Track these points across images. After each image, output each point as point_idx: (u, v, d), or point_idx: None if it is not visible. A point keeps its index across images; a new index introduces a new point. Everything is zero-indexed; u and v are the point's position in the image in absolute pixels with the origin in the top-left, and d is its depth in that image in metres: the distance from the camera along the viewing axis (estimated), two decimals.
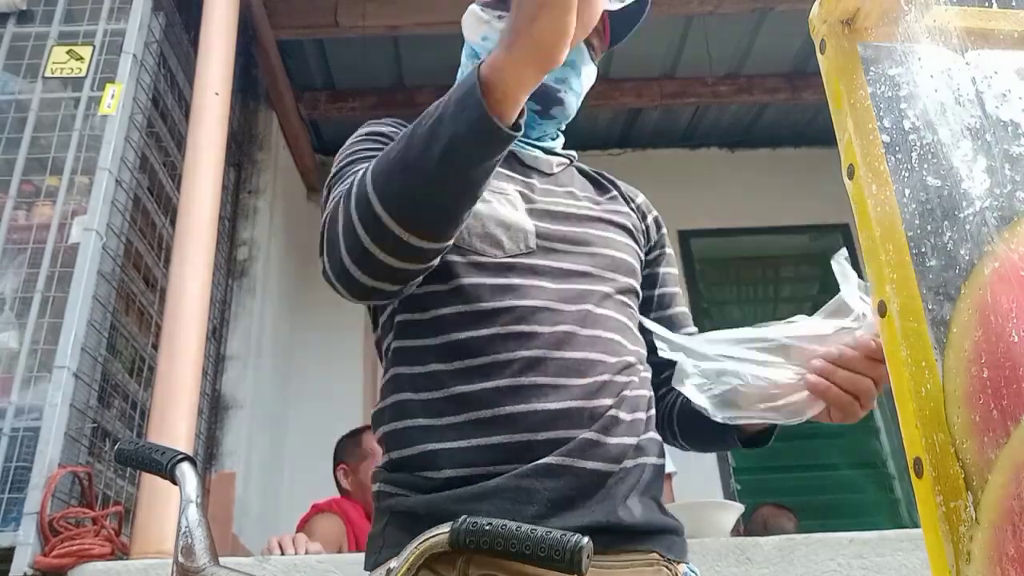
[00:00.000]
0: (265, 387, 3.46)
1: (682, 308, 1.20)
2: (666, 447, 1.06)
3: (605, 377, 0.93)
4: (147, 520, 1.94)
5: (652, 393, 1.02)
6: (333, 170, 1.00)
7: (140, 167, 2.53)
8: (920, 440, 0.46)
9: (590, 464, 0.88)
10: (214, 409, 3.17)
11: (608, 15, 1.11)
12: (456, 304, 0.94)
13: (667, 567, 0.92)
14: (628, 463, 0.91)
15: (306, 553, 1.92)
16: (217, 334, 3.23)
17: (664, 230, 1.21)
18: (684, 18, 3.75)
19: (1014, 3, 0.53)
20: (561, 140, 1.18)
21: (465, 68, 1.15)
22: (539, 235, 1.00)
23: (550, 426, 0.88)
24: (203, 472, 3.01)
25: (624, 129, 4.49)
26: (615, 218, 1.10)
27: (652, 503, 0.95)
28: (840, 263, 0.91)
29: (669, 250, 1.21)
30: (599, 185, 1.17)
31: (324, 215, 0.90)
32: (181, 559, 0.85)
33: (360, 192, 0.83)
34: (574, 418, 0.89)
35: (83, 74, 2.44)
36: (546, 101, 1.09)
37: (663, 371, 1.04)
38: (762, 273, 4.65)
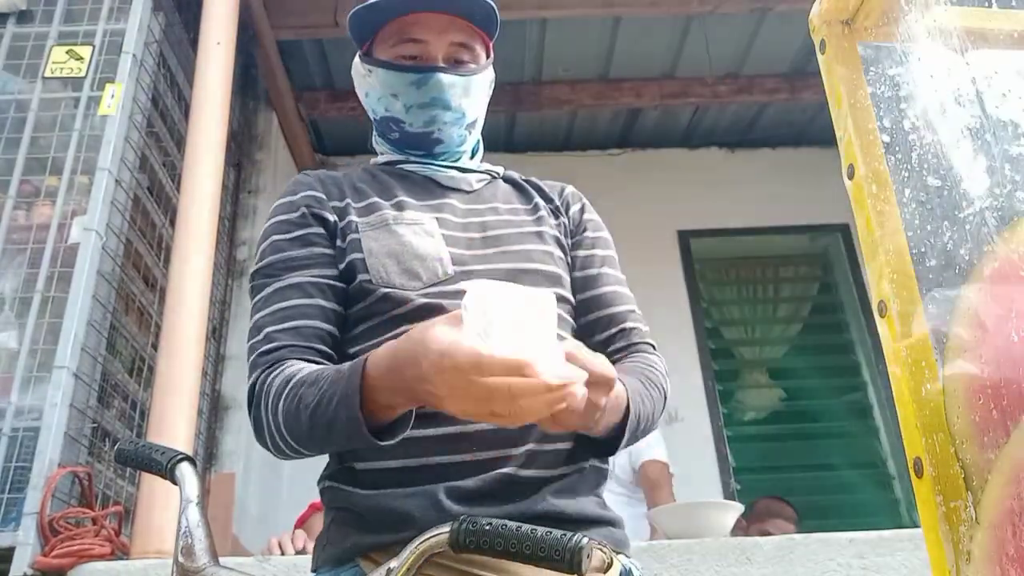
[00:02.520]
0: None
1: (610, 288, 1.14)
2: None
3: None
4: (147, 520, 1.94)
5: None
6: (257, 261, 1.07)
7: (140, 167, 2.53)
8: (920, 440, 0.46)
9: (527, 472, 0.94)
10: (214, 409, 3.17)
11: (472, 11, 1.11)
12: (382, 336, 0.98)
13: (602, 551, 0.95)
14: (565, 469, 0.97)
15: (305, 551, 1.92)
16: (217, 334, 3.23)
17: (588, 214, 1.19)
18: (684, 18, 3.75)
19: (1014, 3, 0.53)
20: (479, 153, 1.20)
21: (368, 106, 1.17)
22: (455, 261, 1.03)
23: (483, 446, 0.93)
24: (203, 472, 3.01)
25: (624, 129, 4.48)
26: (536, 228, 1.11)
27: (592, 499, 1.00)
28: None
29: (594, 233, 1.18)
30: (524, 194, 1.19)
31: (251, 382, 0.98)
32: (181, 559, 0.85)
33: (276, 428, 0.94)
34: (497, 441, 0.93)
35: (83, 74, 2.44)
36: (425, 145, 1.13)
37: (609, 344, 1.08)
38: (762, 273, 4.65)
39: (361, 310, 1.02)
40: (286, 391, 0.92)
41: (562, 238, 1.14)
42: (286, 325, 0.99)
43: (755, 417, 4.33)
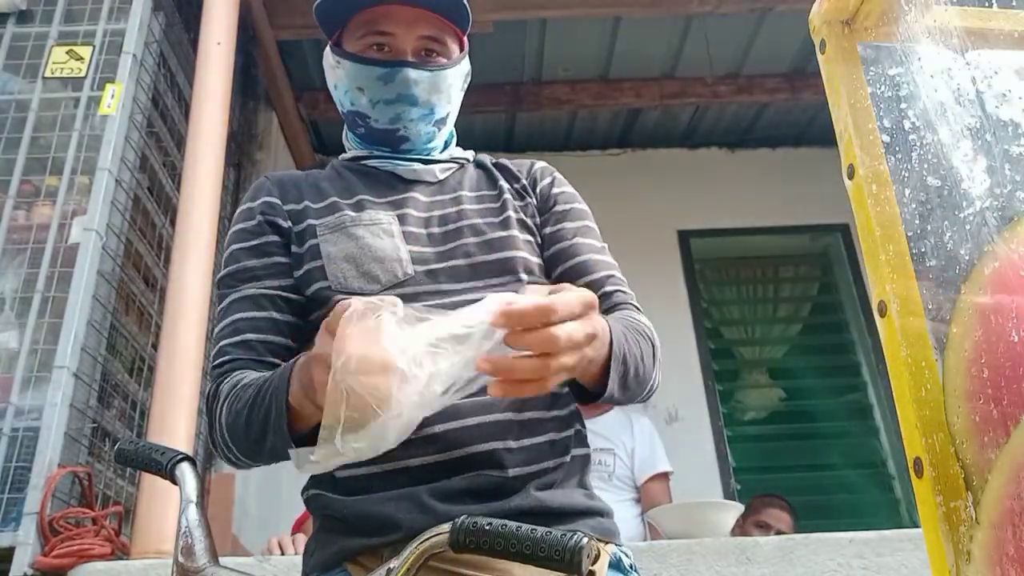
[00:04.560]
0: None
1: (584, 257, 1.08)
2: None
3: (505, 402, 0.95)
4: (147, 520, 1.94)
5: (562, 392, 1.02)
6: (223, 267, 1.07)
7: (140, 167, 2.53)
8: (920, 440, 0.46)
9: (510, 471, 0.93)
10: None
11: (442, 4, 1.08)
12: None
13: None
14: (548, 463, 0.96)
15: None
16: None
17: (557, 187, 1.14)
18: (684, 18, 3.75)
19: (1014, 3, 0.53)
20: (451, 146, 1.17)
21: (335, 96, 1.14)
22: (416, 260, 1.01)
23: (464, 444, 0.92)
24: (203, 472, 3.01)
25: (624, 129, 4.48)
26: (501, 215, 1.08)
27: (578, 490, 0.98)
28: None
29: (565, 206, 1.13)
30: (490, 178, 1.15)
31: (206, 393, 1.01)
32: (181, 559, 0.85)
33: (220, 432, 0.96)
34: (477, 438, 0.92)
35: (83, 74, 2.44)
36: (391, 142, 1.11)
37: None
38: (762, 273, 4.65)
39: (320, 316, 0.97)
40: (230, 394, 0.94)
41: (529, 220, 1.10)
42: (238, 339, 1.00)
43: (755, 417, 4.33)
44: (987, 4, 0.52)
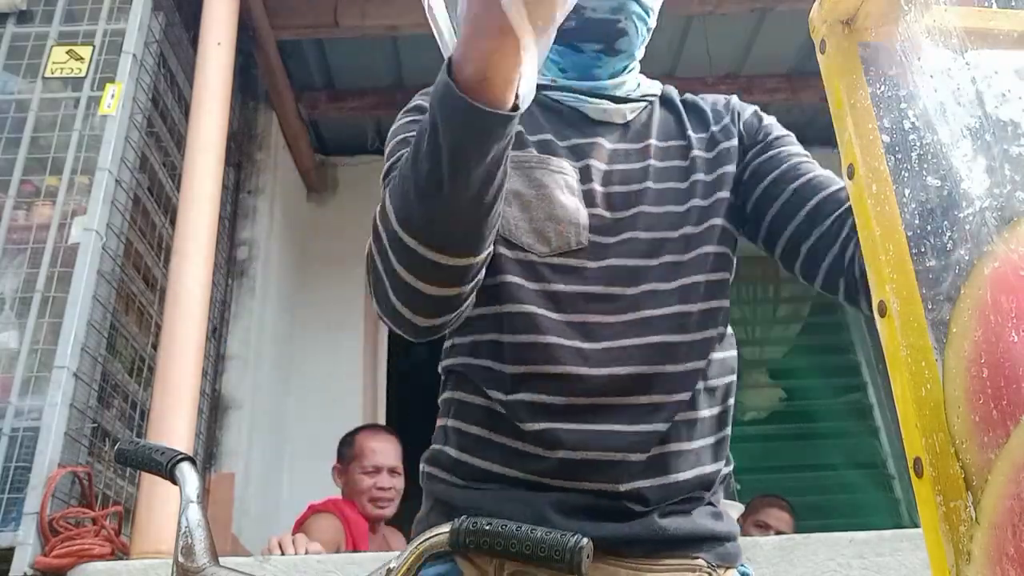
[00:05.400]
0: (265, 387, 3.46)
1: (816, 174, 0.94)
2: None
3: (658, 399, 0.85)
4: (147, 520, 1.94)
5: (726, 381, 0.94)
6: (385, 161, 0.90)
7: (140, 167, 2.53)
8: (920, 440, 0.46)
9: (642, 497, 0.84)
10: (214, 409, 3.17)
11: None
12: (497, 304, 0.87)
13: (710, 573, 0.87)
14: (680, 498, 0.86)
15: (306, 553, 1.92)
16: (217, 334, 3.23)
17: (765, 120, 1.02)
18: (684, 18, 3.74)
19: (1014, 3, 0.53)
20: (634, 77, 1.02)
21: None
22: (593, 228, 0.88)
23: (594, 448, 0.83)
24: (203, 472, 3.01)
25: None
26: (691, 177, 0.94)
27: (706, 508, 0.89)
28: None
29: (778, 133, 1.00)
30: (680, 124, 1.00)
31: (368, 244, 0.80)
32: (181, 559, 0.85)
33: (386, 227, 0.75)
34: (620, 444, 0.83)
35: (83, 74, 2.44)
36: (607, 37, 0.95)
37: (834, 228, 0.88)
38: (762, 273, 4.65)
39: None
40: (388, 196, 0.75)
41: (728, 167, 0.95)
42: None
43: (755, 417, 4.33)
44: (987, 4, 0.52)
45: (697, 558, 0.86)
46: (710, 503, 0.90)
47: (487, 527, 0.67)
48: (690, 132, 0.99)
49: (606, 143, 0.95)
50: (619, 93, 0.99)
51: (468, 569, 0.82)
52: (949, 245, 0.48)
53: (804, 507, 3.14)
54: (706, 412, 0.89)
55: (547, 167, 0.90)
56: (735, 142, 0.98)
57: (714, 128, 0.99)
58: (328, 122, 4.27)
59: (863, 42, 0.57)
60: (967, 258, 0.47)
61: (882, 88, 0.54)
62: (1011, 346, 0.43)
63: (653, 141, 0.97)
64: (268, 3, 3.37)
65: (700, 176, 0.95)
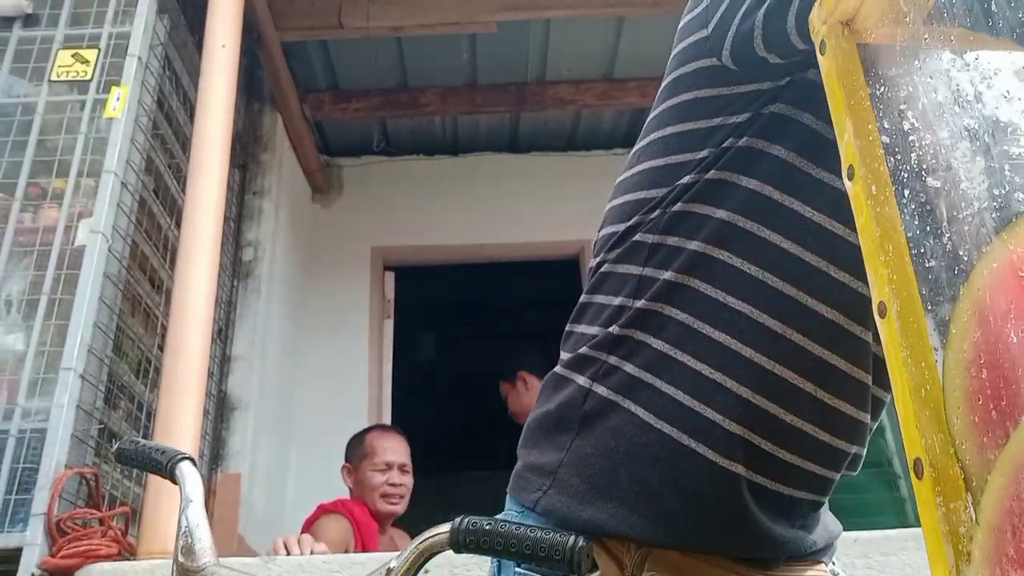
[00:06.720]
0: (270, 388, 3.47)
1: None
2: None
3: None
4: (153, 520, 1.95)
5: None
6: None
7: (145, 169, 2.54)
8: (920, 441, 0.46)
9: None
10: (220, 410, 3.18)
11: None
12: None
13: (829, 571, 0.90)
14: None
15: (312, 554, 1.92)
16: (222, 335, 3.24)
17: None
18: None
19: (1014, 3, 0.53)
20: None
21: None
22: None
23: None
24: (209, 473, 3.02)
25: (628, 129, 4.47)
26: None
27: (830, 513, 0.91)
28: None
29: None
30: None
31: None
32: (181, 559, 0.84)
33: None
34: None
35: (88, 77, 2.45)
36: None
37: None
38: None
39: None
40: None
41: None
42: None
43: None
44: (987, 5, 0.52)
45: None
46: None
47: (487, 526, 0.67)
48: None
49: None
50: None
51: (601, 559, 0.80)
52: (949, 245, 0.48)
53: None
54: None
55: None
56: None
57: None
58: (333, 123, 4.28)
59: (863, 42, 0.57)
60: (967, 258, 0.47)
61: (882, 89, 0.54)
62: (1010, 347, 0.43)
63: None
64: (273, 5, 3.38)
65: None
